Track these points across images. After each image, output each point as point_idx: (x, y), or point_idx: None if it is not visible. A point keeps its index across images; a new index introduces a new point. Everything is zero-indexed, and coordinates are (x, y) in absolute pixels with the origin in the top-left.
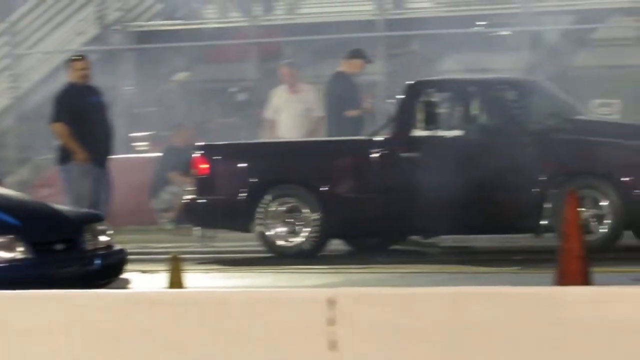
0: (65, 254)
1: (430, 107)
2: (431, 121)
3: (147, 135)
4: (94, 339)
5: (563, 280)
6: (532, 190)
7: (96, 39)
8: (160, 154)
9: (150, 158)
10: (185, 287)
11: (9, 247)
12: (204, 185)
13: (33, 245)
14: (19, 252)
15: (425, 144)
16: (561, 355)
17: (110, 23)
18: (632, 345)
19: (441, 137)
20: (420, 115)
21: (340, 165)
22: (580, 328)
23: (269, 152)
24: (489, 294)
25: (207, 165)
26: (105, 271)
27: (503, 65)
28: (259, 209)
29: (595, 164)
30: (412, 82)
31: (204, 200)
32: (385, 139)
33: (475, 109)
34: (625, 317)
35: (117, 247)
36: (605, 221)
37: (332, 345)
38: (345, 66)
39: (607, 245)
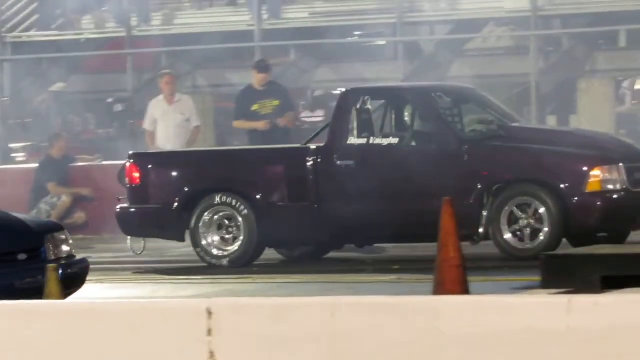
0: (28, 264)
1: (364, 114)
2: (366, 129)
3: (24, 146)
4: None
5: (441, 289)
6: (469, 198)
7: None
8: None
9: (28, 169)
10: (62, 299)
11: None
12: (135, 194)
13: None
14: None
15: (360, 152)
16: None
17: None
18: (509, 354)
19: (376, 145)
20: (354, 124)
21: (275, 173)
22: (457, 337)
23: (202, 160)
24: (366, 304)
25: (138, 174)
26: (68, 281)
27: (380, 75)
28: (192, 218)
29: (532, 171)
30: (346, 89)
31: (136, 210)
32: (321, 147)
33: (410, 116)
34: (502, 326)
35: (79, 256)
36: (544, 229)
37: (211, 356)
38: (253, 78)
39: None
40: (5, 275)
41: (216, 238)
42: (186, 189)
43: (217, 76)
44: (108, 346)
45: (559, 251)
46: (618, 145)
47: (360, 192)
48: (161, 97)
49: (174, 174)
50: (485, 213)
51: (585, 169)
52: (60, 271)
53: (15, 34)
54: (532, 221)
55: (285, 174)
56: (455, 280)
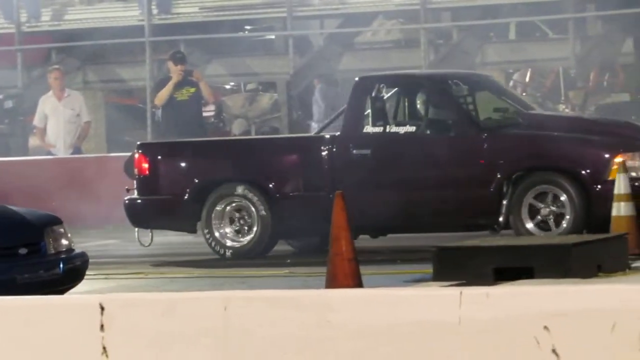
0: (29, 258)
1: (379, 103)
2: (381, 117)
3: None
4: None
5: (333, 283)
6: (488, 187)
7: None
8: None
9: None
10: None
11: None
12: (144, 185)
13: None
14: None
15: (376, 141)
16: (327, 357)
17: None
18: (401, 347)
19: (393, 133)
20: (370, 112)
21: (289, 163)
22: (348, 330)
23: (214, 150)
24: (258, 298)
25: (147, 165)
26: (69, 276)
27: (270, 69)
28: (204, 210)
29: (553, 159)
30: (360, 77)
31: (145, 201)
32: (336, 135)
33: (426, 104)
34: (394, 319)
35: (78, 250)
36: (566, 217)
37: (104, 351)
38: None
39: None
40: (7, 270)
41: (228, 229)
42: (197, 180)
43: (107, 71)
44: (3, 340)
45: (451, 243)
46: (637, 132)
47: (376, 182)
48: (50, 93)
49: (185, 164)
50: (505, 202)
51: (607, 156)
52: (61, 266)
53: None
54: (554, 209)
55: (299, 163)
56: (347, 274)
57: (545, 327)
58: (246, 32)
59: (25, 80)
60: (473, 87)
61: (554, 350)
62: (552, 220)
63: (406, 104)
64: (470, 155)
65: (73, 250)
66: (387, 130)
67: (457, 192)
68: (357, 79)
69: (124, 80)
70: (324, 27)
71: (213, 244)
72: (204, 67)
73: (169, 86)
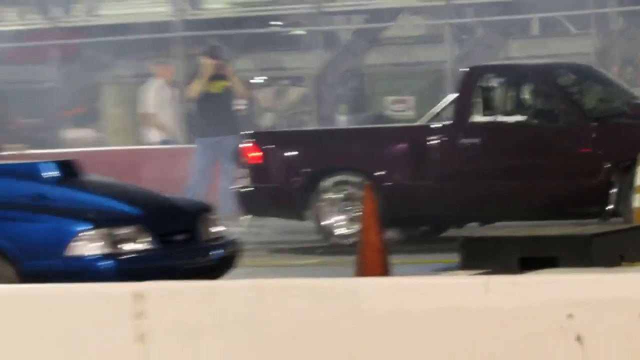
0: (186, 245)
1: (487, 92)
2: (490, 107)
3: None
4: None
5: (363, 272)
6: (597, 176)
7: None
8: None
9: None
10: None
11: (135, 238)
12: (255, 173)
13: (157, 236)
14: (145, 243)
15: (485, 130)
16: (358, 344)
17: None
18: (428, 334)
19: (502, 122)
20: (479, 101)
21: (398, 152)
22: (377, 318)
23: (324, 139)
24: (291, 287)
25: (259, 154)
26: (223, 262)
27: (298, 64)
28: (315, 198)
29: None
30: (469, 67)
31: (256, 189)
32: (445, 125)
33: (534, 94)
34: (422, 307)
35: (230, 237)
36: None
37: (139, 338)
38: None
39: None
40: (166, 257)
41: (338, 217)
42: (308, 169)
43: (138, 66)
44: (44, 329)
45: (478, 233)
46: None
47: (485, 171)
48: (159, 82)
49: (295, 153)
50: (614, 190)
51: None
52: (215, 252)
53: None
54: None
55: (408, 152)
56: (376, 263)
57: (570, 315)
58: (275, 27)
59: (59, 74)
60: (579, 77)
61: (578, 338)
62: None
63: (514, 93)
64: (578, 145)
65: (225, 237)
66: (496, 119)
67: (564, 180)
68: (466, 69)
69: (155, 74)
70: (351, 22)
71: (323, 232)
72: (233, 61)
73: (202, 79)
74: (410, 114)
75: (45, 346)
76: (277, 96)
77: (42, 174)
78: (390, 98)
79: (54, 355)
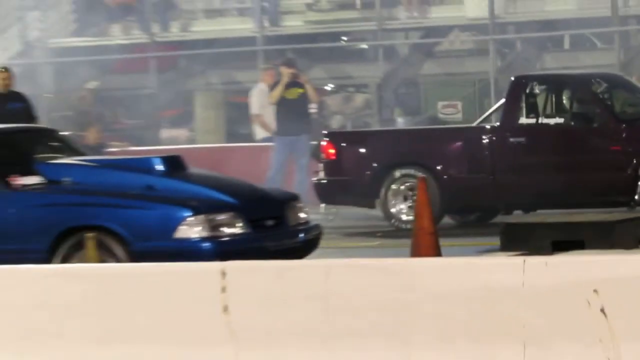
0: (275, 229)
1: (532, 98)
2: (534, 110)
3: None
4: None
5: (417, 253)
6: (626, 170)
7: (20, 54)
8: None
9: None
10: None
11: (230, 223)
12: (331, 167)
13: (250, 221)
14: (239, 227)
15: (530, 131)
16: (414, 317)
17: (32, 40)
18: (474, 307)
19: (545, 124)
20: (525, 105)
21: (454, 149)
22: (430, 294)
23: (391, 138)
24: (355, 266)
25: (334, 150)
26: (307, 245)
27: (362, 74)
28: (383, 188)
29: None
30: (517, 76)
31: (331, 181)
32: (495, 126)
33: (572, 99)
34: (469, 283)
35: (314, 223)
36: None
37: (225, 309)
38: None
39: None
40: (259, 239)
41: (403, 206)
42: (376, 163)
43: (226, 75)
44: (138, 305)
45: (516, 219)
46: None
47: (530, 166)
48: (263, 86)
49: (365, 150)
50: None
51: None
52: (301, 236)
53: (56, 40)
54: None
55: (464, 149)
56: (428, 245)
57: (595, 291)
58: (343, 42)
59: (157, 82)
60: (611, 84)
61: (602, 310)
62: None
63: (555, 99)
64: (610, 143)
65: (308, 222)
66: (539, 121)
67: (598, 174)
68: (513, 77)
69: (240, 82)
70: (409, 37)
71: (390, 218)
72: (307, 71)
73: (281, 86)
74: (458, 116)
75: (150, 316)
76: (345, 101)
77: (153, 168)
78: (441, 103)
79: (158, 323)
